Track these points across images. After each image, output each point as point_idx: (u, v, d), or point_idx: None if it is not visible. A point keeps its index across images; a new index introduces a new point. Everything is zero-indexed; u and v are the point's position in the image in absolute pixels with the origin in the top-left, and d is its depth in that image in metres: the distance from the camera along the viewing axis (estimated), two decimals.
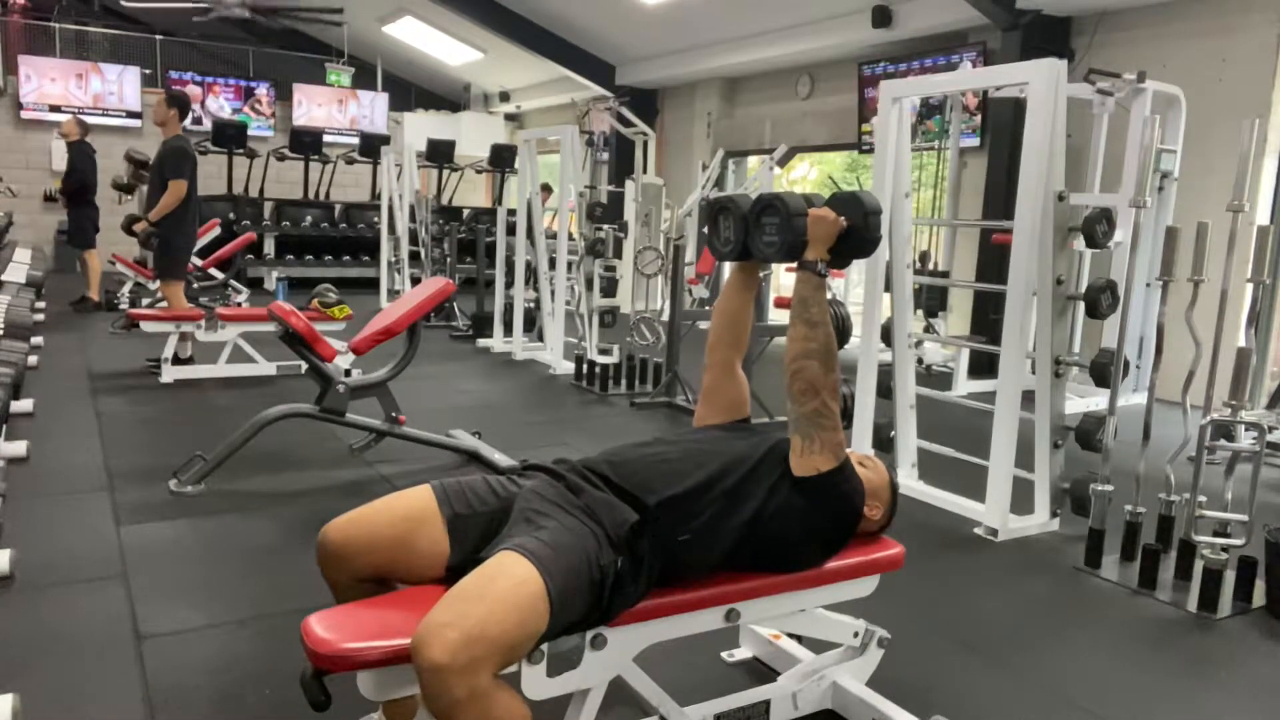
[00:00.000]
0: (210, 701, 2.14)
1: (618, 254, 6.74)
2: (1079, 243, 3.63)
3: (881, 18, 7.90)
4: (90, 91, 12.32)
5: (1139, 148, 3.94)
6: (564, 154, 6.79)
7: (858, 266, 6.92)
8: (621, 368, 6.05)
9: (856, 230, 1.92)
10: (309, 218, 11.50)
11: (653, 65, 10.94)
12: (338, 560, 1.72)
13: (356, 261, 11.56)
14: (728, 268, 2.37)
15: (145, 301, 7.91)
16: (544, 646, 1.57)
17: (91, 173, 8.32)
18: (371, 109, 14.18)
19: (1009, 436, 3.45)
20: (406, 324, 3.89)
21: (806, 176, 16.18)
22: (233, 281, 8.37)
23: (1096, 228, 3.44)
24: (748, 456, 1.84)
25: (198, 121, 12.44)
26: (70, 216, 8.44)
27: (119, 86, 12.48)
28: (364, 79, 14.31)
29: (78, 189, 8.23)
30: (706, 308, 8.92)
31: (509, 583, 1.47)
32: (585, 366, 6.16)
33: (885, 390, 4.04)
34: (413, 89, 15.30)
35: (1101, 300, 3.51)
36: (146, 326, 5.69)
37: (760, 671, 2.36)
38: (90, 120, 12.13)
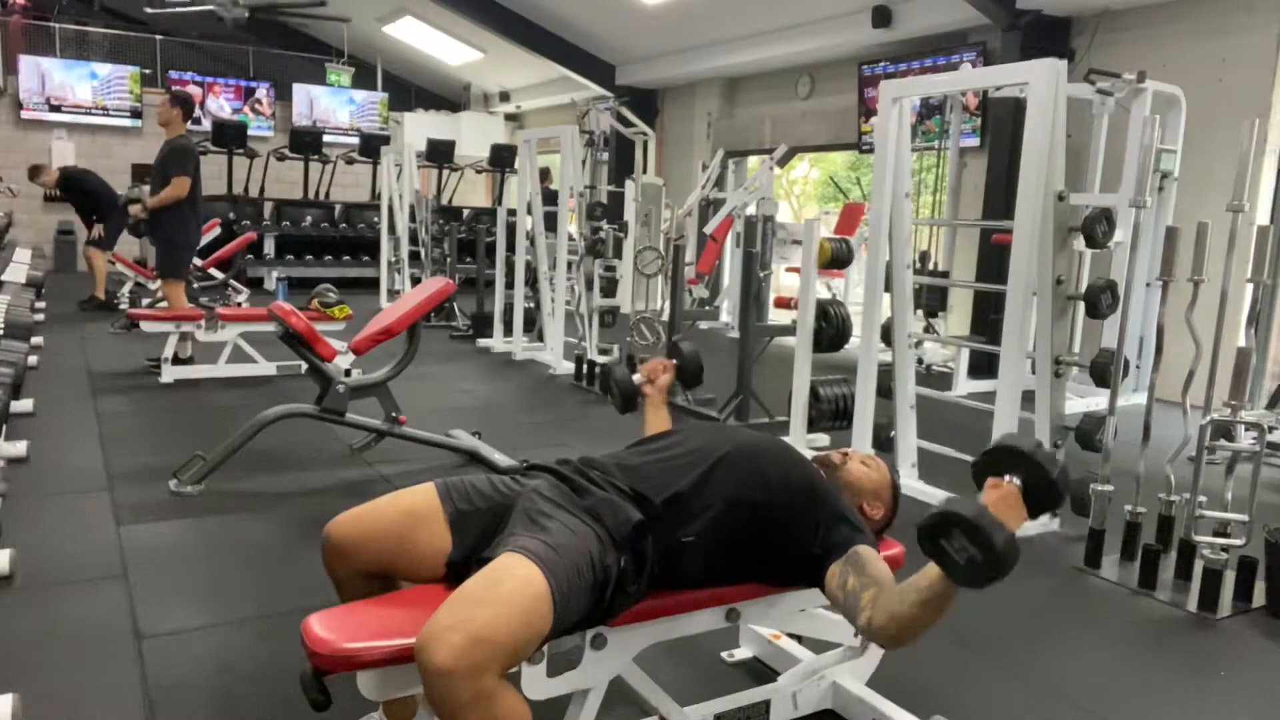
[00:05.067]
0: (210, 701, 2.14)
1: (618, 254, 6.73)
2: (1079, 243, 3.63)
3: (881, 18, 7.89)
4: (90, 92, 12.32)
5: (1139, 148, 3.93)
6: (564, 154, 6.79)
7: (858, 266, 6.91)
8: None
9: (1035, 493, 1.53)
10: (309, 218, 11.49)
11: (653, 65, 10.94)
12: (341, 555, 1.74)
13: (356, 261, 11.55)
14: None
15: (145, 301, 7.92)
16: (544, 646, 1.57)
17: (88, 195, 8.47)
18: (371, 109, 14.17)
19: None
20: (406, 324, 3.89)
21: (807, 176, 16.17)
22: (233, 281, 8.37)
23: (1096, 228, 3.45)
24: (750, 454, 1.82)
25: (197, 121, 12.41)
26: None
27: (119, 87, 12.47)
28: (364, 79, 14.31)
29: (86, 216, 8.45)
30: (707, 308, 8.92)
31: (513, 585, 1.48)
32: (585, 366, 6.16)
33: (885, 390, 4.04)
34: (413, 89, 15.30)
35: (1101, 300, 3.51)
36: (146, 326, 5.69)
37: (760, 671, 2.36)
38: (90, 120, 12.23)
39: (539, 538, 1.58)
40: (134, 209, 5.75)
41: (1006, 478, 1.54)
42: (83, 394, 5.17)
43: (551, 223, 7.17)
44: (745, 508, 1.76)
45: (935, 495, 3.81)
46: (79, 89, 12.26)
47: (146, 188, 5.87)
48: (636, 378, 2.45)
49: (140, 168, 8.57)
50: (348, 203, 12.02)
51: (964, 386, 6.08)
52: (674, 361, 2.53)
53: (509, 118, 14.85)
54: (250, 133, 11.84)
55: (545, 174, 9.45)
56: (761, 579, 1.84)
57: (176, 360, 5.67)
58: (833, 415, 4.30)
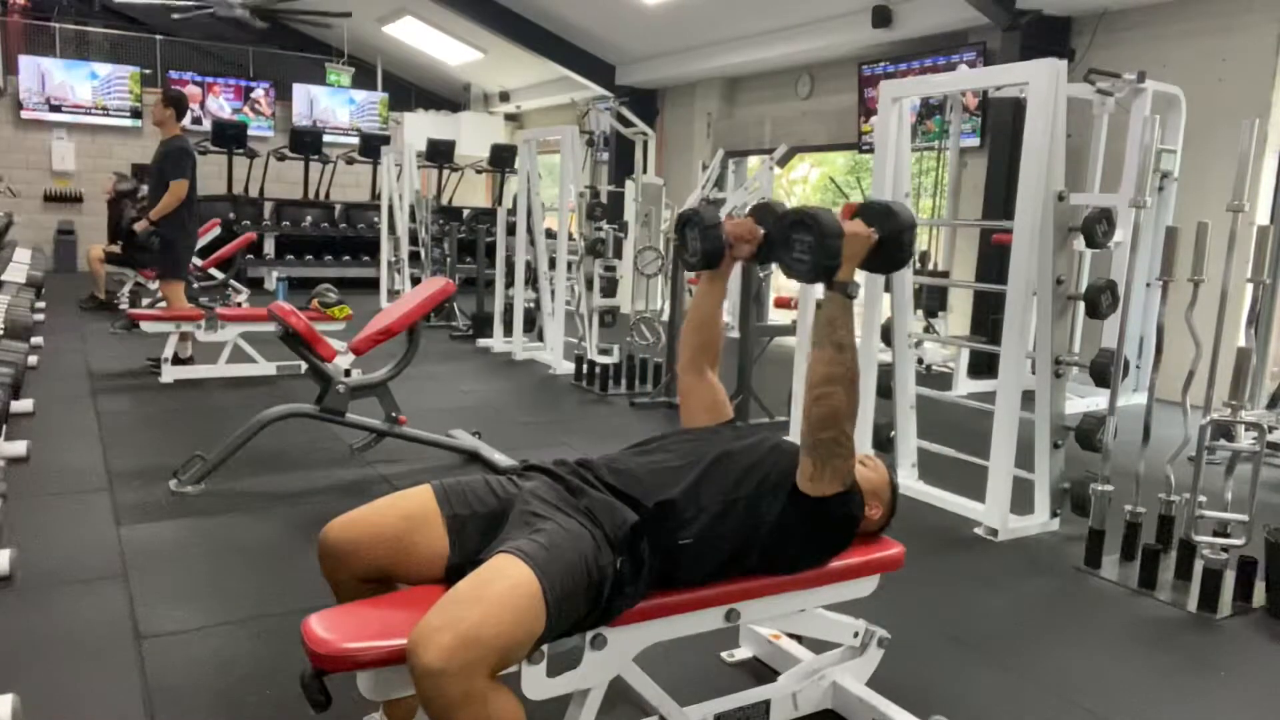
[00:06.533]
0: (210, 701, 2.14)
1: (618, 254, 6.73)
2: (1079, 243, 3.62)
3: (881, 18, 7.89)
4: (90, 92, 12.31)
5: (1139, 148, 3.93)
6: (564, 154, 6.79)
7: None
8: (621, 368, 6.05)
9: (888, 245, 1.83)
10: (309, 218, 11.49)
11: (653, 65, 10.94)
12: (338, 559, 1.73)
13: (356, 261, 11.55)
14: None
15: (145, 301, 7.92)
16: (544, 647, 1.57)
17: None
18: (371, 109, 14.17)
19: (1009, 436, 3.45)
20: (406, 324, 3.89)
21: (806, 177, 16.17)
22: (233, 281, 8.37)
23: (1096, 228, 3.44)
24: (745, 456, 1.84)
25: (197, 121, 12.44)
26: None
27: (119, 87, 12.47)
28: (364, 79, 14.31)
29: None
30: None
31: (504, 585, 1.47)
32: (585, 366, 6.16)
33: (885, 390, 4.04)
34: (413, 89, 15.30)
35: (1101, 300, 3.51)
36: (146, 326, 5.69)
37: (760, 671, 2.36)
38: (90, 120, 12.22)
39: (533, 539, 1.58)
40: (139, 226, 5.75)
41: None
42: (83, 394, 5.16)
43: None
44: (741, 509, 1.76)
45: (936, 495, 3.81)
46: (79, 89, 12.24)
47: (143, 187, 5.87)
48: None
49: (140, 168, 8.56)
50: (348, 203, 12.02)
51: (964, 386, 6.08)
52: (763, 232, 2.07)
53: (509, 118, 14.85)
54: (250, 133, 11.84)
55: None
56: (768, 572, 1.84)
57: (176, 360, 5.67)
58: None
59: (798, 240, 1.83)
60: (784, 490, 1.79)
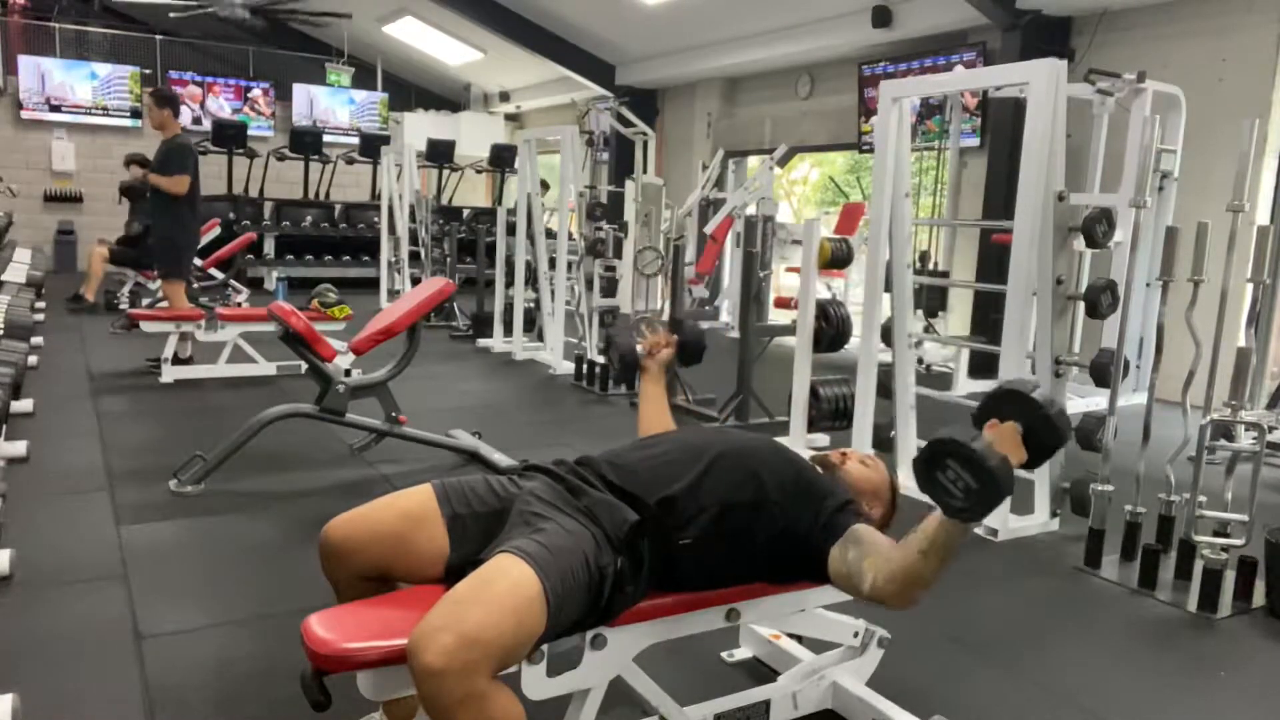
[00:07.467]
0: (210, 701, 2.15)
1: (618, 254, 6.74)
2: (1079, 243, 3.63)
3: (881, 18, 7.89)
4: (90, 92, 12.31)
5: (1139, 148, 3.93)
6: (564, 154, 6.79)
7: (858, 266, 6.92)
8: None
9: (1034, 435, 1.58)
10: (309, 218, 11.48)
11: (653, 65, 10.94)
12: (338, 558, 1.73)
13: (356, 261, 11.54)
14: None
15: (145, 301, 7.91)
16: (544, 647, 1.57)
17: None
18: (371, 109, 14.17)
19: None
20: (406, 324, 3.89)
21: (807, 177, 16.17)
22: (233, 281, 8.37)
23: (1096, 228, 3.44)
24: (747, 459, 1.82)
25: (197, 121, 12.43)
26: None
27: (119, 87, 12.47)
28: (364, 79, 14.31)
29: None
30: (706, 308, 8.92)
31: (505, 585, 1.47)
32: (585, 366, 6.16)
33: (885, 390, 4.04)
34: (413, 89, 15.29)
35: (1101, 300, 3.51)
36: (146, 326, 5.69)
37: (760, 671, 2.36)
38: (90, 120, 12.23)
39: (534, 539, 1.58)
40: (135, 171, 5.70)
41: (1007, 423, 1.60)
42: (83, 394, 5.16)
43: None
44: (740, 510, 1.76)
45: None
46: (79, 89, 12.24)
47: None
48: (638, 348, 2.41)
49: (134, 157, 8.44)
50: (348, 203, 12.01)
51: (964, 386, 6.08)
52: (676, 337, 2.46)
53: (509, 118, 14.84)
54: (250, 133, 11.83)
55: (544, 185, 9.44)
56: (765, 579, 1.83)
57: (176, 360, 5.67)
58: (833, 415, 4.30)
59: (954, 473, 1.48)
60: (781, 509, 1.76)
